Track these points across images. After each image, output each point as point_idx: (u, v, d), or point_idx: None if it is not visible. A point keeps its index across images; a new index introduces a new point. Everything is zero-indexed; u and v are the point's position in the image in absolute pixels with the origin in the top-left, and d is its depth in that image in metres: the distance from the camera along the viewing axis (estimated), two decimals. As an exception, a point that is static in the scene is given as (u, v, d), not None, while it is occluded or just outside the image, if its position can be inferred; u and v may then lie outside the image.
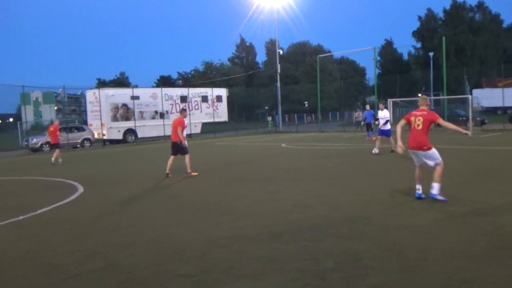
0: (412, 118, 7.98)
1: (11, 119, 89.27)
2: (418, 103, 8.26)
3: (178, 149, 12.63)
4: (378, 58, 74.50)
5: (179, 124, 12.49)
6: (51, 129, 19.80)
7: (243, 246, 5.76)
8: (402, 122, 8.16)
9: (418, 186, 7.99)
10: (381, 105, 17.21)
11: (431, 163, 7.86)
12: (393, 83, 47.00)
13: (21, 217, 8.17)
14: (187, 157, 12.65)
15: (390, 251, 5.24)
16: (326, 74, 67.03)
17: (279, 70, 45.52)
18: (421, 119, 7.84)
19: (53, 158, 18.99)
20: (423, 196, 7.86)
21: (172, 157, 12.73)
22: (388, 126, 16.47)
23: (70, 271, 5.15)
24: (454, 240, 5.54)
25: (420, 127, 7.82)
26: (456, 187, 9.00)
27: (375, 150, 15.93)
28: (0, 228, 7.50)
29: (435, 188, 7.70)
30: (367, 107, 26.17)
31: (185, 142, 12.68)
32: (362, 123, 27.52)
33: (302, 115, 69.83)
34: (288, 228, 6.53)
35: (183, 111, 13.23)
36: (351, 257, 5.11)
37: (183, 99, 37.11)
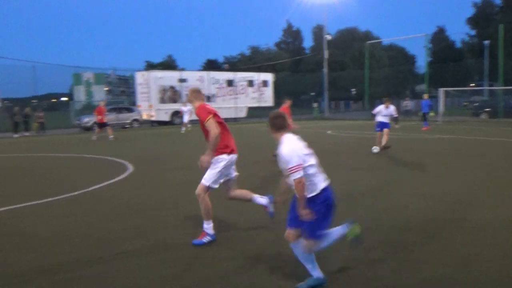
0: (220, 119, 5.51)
1: (64, 99, 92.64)
2: (191, 96, 5.64)
3: None
4: (430, 45, 72.00)
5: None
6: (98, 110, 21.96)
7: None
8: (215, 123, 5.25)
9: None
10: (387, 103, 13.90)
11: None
12: (445, 72, 45.39)
13: (75, 193, 8.50)
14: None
15: (441, 245, 5.10)
16: (374, 60, 65.51)
17: (326, 56, 44.85)
18: None
19: (110, 136, 20.90)
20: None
21: None
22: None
23: (121, 246, 5.32)
24: (509, 238, 5.32)
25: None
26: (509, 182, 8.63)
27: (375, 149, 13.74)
28: (55, 203, 7.82)
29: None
30: (425, 96, 25.97)
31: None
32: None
33: (349, 102, 68.79)
34: (336, 217, 6.45)
35: (287, 100, 13.64)
36: (402, 248, 5.01)
37: (230, 83, 37.30)
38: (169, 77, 34.55)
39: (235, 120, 36.67)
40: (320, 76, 48.15)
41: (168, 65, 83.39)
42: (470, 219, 6.12)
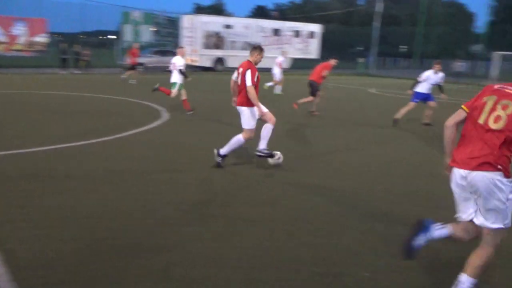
0: None
1: (111, 36, 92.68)
2: None
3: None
4: (495, 3, 67.21)
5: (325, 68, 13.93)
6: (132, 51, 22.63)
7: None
8: None
9: None
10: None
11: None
12: (509, 33, 42.59)
13: (110, 137, 8.69)
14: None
15: None
16: (430, 17, 62.26)
17: (379, 9, 42.90)
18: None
19: (125, 76, 22.04)
20: None
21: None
22: None
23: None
24: None
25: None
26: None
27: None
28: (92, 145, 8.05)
29: None
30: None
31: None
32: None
33: (397, 59, 66.39)
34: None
35: (333, 59, 14.26)
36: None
37: (276, 32, 36.55)
38: (215, 23, 34.12)
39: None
40: (370, 30, 46.35)
41: (217, 9, 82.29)
42: None
